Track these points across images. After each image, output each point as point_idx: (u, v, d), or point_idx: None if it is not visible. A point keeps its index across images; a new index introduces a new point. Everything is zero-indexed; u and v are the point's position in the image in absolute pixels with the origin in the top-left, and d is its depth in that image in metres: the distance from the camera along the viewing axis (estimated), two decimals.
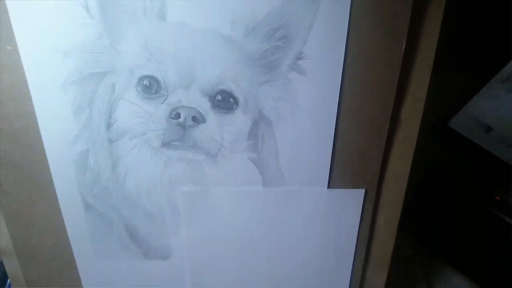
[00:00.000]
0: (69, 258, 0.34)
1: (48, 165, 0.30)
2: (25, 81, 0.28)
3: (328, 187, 0.32)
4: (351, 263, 0.36)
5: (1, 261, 0.35)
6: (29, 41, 0.27)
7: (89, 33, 0.27)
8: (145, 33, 0.27)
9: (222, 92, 0.29)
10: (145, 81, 0.28)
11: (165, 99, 0.29)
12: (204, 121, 0.29)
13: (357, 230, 0.34)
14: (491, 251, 0.41)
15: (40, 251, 0.34)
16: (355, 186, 0.32)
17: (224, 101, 0.29)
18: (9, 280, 0.36)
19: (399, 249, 0.35)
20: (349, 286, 0.37)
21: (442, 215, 0.44)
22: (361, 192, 0.33)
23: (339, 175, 0.32)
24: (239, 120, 0.30)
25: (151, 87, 0.28)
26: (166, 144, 0.30)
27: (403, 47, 0.28)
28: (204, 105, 0.29)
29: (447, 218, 0.44)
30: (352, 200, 0.33)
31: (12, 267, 0.34)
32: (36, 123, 0.29)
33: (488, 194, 0.41)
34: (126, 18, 0.27)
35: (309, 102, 0.29)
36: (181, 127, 0.29)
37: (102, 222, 0.33)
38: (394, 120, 0.31)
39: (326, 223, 0.34)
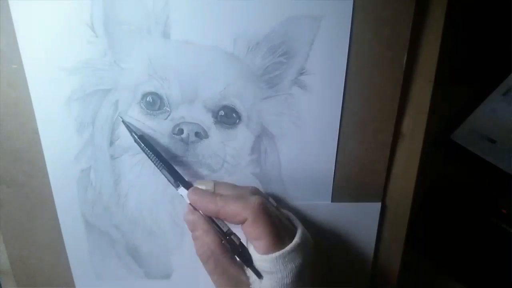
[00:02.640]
0: (68, 278, 0.33)
1: (49, 183, 0.30)
2: (29, 98, 0.28)
3: (332, 201, 0.32)
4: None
5: None
6: (35, 59, 0.27)
7: (94, 51, 0.27)
8: (149, 50, 0.27)
9: (225, 107, 0.29)
10: (148, 97, 0.29)
11: (168, 115, 0.29)
12: (207, 136, 0.29)
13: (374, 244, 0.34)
14: (497, 264, 0.41)
15: (38, 271, 0.33)
16: (359, 200, 0.32)
17: (227, 117, 0.29)
18: None
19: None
20: None
21: (447, 228, 0.43)
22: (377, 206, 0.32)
23: (343, 189, 0.32)
24: (242, 135, 0.30)
25: (154, 103, 0.29)
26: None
27: (404, 61, 0.28)
28: (207, 121, 0.29)
29: (452, 231, 0.43)
30: (370, 213, 0.33)
31: None
32: (39, 140, 0.29)
33: (493, 207, 0.41)
34: (131, 36, 0.27)
35: (312, 116, 0.30)
36: (184, 143, 0.29)
37: (103, 241, 0.32)
38: (397, 133, 0.31)
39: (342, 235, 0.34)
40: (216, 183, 0.28)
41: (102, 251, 0.32)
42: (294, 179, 0.31)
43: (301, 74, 0.29)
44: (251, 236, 0.25)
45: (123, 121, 0.28)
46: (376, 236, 0.34)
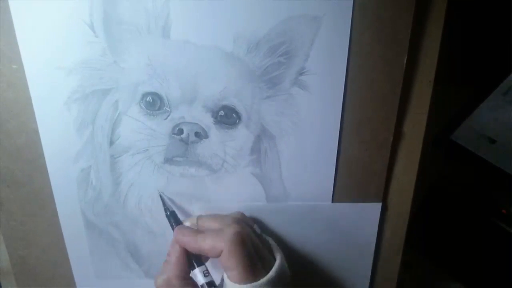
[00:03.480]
0: (69, 277, 0.33)
1: (49, 183, 0.30)
2: (29, 98, 0.28)
3: (332, 201, 0.32)
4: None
5: None
6: (35, 59, 0.27)
7: (93, 50, 0.27)
8: (149, 50, 0.27)
9: (225, 107, 0.29)
10: (148, 97, 0.29)
11: (168, 115, 0.29)
12: (207, 136, 0.29)
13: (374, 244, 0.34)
14: (497, 264, 0.41)
15: (39, 271, 0.33)
16: (359, 200, 0.32)
17: (227, 117, 0.29)
18: None
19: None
20: None
21: (447, 228, 0.43)
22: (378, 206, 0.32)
23: (343, 189, 0.32)
24: (242, 135, 0.30)
25: (154, 103, 0.29)
26: (168, 160, 0.30)
27: (405, 61, 0.28)
28: (207, 121, 0.29)
29: (452, 231, 0.43)
30: (370, 214, 0.32)
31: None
32: (39, 140, 0.29)
33: (493, 207, 0.41)
34: (130, 36, 0.27)
35: (312, 116, 0.30)
36: (184, 143, 0.29)
37: (103, 240, 0.32)
38: (397, 133, 0.31)
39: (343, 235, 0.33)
40: (199, 218, 0.30)
41: (102, 251, 0.32)
42: (294, 179, 0.31)
43: (301, 74, 0.29)
44: (225, 266, 0.26)
45: (160, 195, 0.30)
46: (376, 236, 0.34)
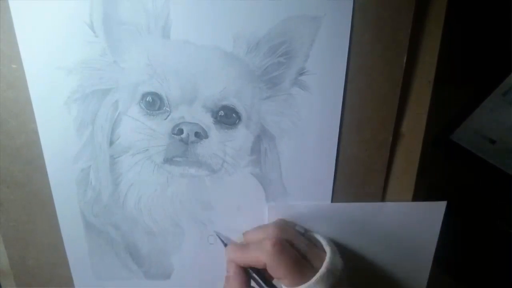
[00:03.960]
0: (68, 278, 0.33)
1: (48, 183, 0.30)
2: (28, 98, 0.28)
3: (332, 201, 0.32)
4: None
5: None
6: (34, 59, 0.27)
7: (93, 50, 0.27)
8: (149, 50, 0.27)
9: (225, 107, 0.29)
10: (148, 97, 0.28)
11: (168, 115, 0.29)
12: (206, 136, 0.29)
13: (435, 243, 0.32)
14: (497, 264, 0.41)
15: (38, 271, 0.33)
16: (359, 199, 0.32)
17: (227, 117, 0.29)
18: None
19: None
20: None
21: (446, 229, 0.43)
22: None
23: (343, 189, 0.32)
24: (242, 135, 0.30)
25: (154, 103, 0.29)
26: (168, 160, 0.30)
27: (404, 61, 0.28)
28: (206, 121, 0.29)
29: (452, 232, 0.43)
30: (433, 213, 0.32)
31: None
32: (38, 140, 0.29)
33: (493, 207, 0.41)
34: (130, 36, 0.27)
35: (312, 116, 0.30)
36: (184, 143, 0.29)
37: (102, 241, 0.32)
38: (397, 133, 0.31)
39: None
40: (244, 233, 0.31)
41: (102, 251, 0.32)
42: (294, 179, 0.31)
43: (301, 74, 0.29)
44: (275, 276, 0.27)
45: (217, 234, 0.31)
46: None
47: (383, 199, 0.33)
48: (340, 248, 0.30)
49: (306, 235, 0.30)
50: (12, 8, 0.26)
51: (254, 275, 0.28)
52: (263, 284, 0.28)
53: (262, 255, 0.27)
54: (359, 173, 0.31)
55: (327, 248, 0.28)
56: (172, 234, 0.32)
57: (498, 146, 0.40)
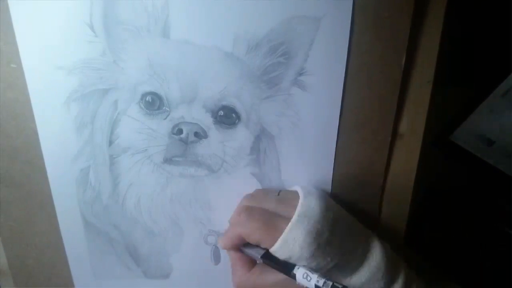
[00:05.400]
0: (67, 278, 0.33)
1: (48, 183, 0.30)
2: (28, 98, 0.28)
3: None
4: None
5: None
6: (34, 59, 0.27)
7: (93, 50, 0.27)
8: (149, 50, 0.27)
9: (225, 107, 0.29)
10: (148, 97, 0.29)
11: (168, 115, 0.29)
12: (206, 136, 0.29)
13: None
14: (497, 264, 0.41)
15: (37, 271, 0.33)
16: (357, 199, 0.32)
17: (227, 117, 0.29)
18: None
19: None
20: None
21: (446, 229, 0.43)
22: None
23: (342, 189, 0.32)
24: (241, 135, 0.30)
25: (153, 103, 0.29)
26: (168, 160, 0.30)
27: (403, 62, 0.28)
28: (206, 121, 0.29)
29: (452, 232, 0.43)
30: None
31: None
32: (38, 140, 0.29)
33: (492, 208, 0.41)
34: (130, 36, 0.27)
35: (311, 116, 0.30)
36: (183, 142, 0.29)
37: (102, 240, 0.32)
38: (396, 134, 0.31)
39: None
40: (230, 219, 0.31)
41: (101, 251, 0.32)
42: (293, 179, 0.31)
43: (301, 74, 0.29)
44: (254, 243, 0.27)
45: (241, 249, 0.30)
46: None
47: (381, 199, 0.33)
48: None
49: (281, 193, 0.29)
50: (11, 8, 0.26)
51: (246, 250, 0.28)
52: (258, 257, 0.27)
53: (236, 229, 0.27)
54: (358, 173, 0.31)
55: (300, 193, 0.28)
56: (172, 233, 0.32)
57: (497, 147, 0.40)
